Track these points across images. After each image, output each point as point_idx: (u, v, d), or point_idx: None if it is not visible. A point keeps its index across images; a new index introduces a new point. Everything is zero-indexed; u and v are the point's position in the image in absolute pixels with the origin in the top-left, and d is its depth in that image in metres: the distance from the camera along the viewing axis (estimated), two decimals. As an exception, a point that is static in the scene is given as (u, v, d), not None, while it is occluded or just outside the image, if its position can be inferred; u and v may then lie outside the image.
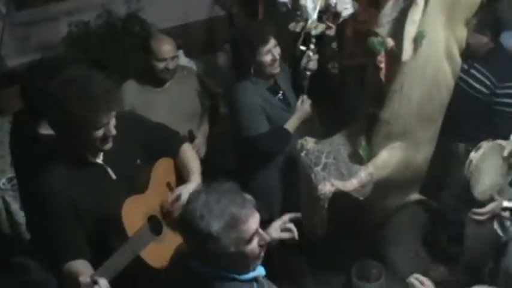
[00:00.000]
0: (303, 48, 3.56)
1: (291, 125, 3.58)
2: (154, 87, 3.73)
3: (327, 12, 3.53)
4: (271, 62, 3.46)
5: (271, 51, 3.43)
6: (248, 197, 2.09)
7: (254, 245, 2.08)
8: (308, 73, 3.61)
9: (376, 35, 3.35)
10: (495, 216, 3.14)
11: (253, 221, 2.06)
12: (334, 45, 4.54)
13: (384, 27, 3.35)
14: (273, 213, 3.34)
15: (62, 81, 2.45)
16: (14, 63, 5.77)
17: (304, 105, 3.63)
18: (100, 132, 2.49)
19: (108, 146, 2.57)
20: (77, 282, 2.24)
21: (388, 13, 3.34)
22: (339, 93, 4.18)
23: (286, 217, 2.52)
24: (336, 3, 3.51)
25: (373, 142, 3.51)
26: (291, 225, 2.48)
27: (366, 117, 3.57)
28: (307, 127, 3.83)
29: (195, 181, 2.82)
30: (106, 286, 2.25)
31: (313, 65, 3.60)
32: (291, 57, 3.71)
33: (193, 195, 2.09)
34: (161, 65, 3.62)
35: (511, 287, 3.07)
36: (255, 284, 2.15)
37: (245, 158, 3.73)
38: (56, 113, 2.43)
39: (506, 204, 3.09)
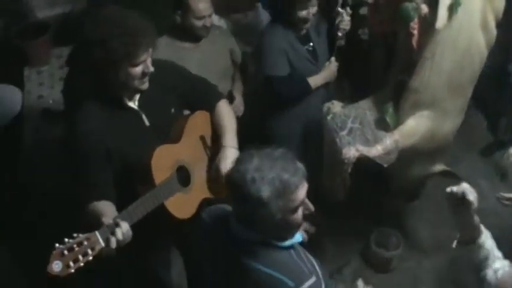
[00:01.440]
0: (341, 10, 3.59)
1: (314, 80, 3.65)
2: (188, 44, 3.73)
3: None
4: (306, 19, 3.53)
5: (308, 8, 3.49)
6: (300, 165, 2.07)
7: (299, 214, 2.09)
8: (340, 33, 3.64)
9: (411, 0, 3.31)
10: None
11: (302, 191, 2.06)
12: (364, 10, 4.54)
13: None
14: None
15: (99, 20, 2.49)
16: (44, 14, 5.84)
17: (331, 66, 3.70)
18: (139, 70, 2.53)
19: (146, 85, 2.61)
20: (100, 222, 2.28)
21: None
22: (368, 59, 4.17)
23: None
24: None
25: (400, 109, 3.49)
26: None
27: (395, 84, 3.55)
28: (335, 90, 3.87)
29: (229, 146, 2.85)
30: (127, 229, 2.30)
31: (345, 25, 3.63)
32: (328, 15, 3.75)
33: (245, 157, 2.07)
34: (199, 23, 3.61)
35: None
36: (292, 251, 2.16)
37: (266, 103, 3.81)
38: (96, 52, 2.45)
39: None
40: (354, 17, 3.87)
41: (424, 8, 3.28)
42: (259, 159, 2.02)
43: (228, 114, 2.98)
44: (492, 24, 3.31)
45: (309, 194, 2.10)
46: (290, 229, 2.11)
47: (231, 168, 2.10)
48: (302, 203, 2.08)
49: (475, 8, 3.22)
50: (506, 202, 3.15)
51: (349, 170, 3.36)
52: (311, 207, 2.13)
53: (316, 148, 3.66)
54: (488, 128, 4.88)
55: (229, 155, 2.78)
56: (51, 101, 5.48)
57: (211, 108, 2.97)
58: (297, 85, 3.63)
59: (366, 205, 4.14)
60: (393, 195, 4.05)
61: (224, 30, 4.22)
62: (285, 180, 1.99)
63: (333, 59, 3.71)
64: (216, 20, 4.73)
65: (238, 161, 2.08)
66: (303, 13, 3.51)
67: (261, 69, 3.64)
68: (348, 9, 3.60)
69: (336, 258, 4.06)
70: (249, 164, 2.01)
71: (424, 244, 4.13)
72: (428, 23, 3.26)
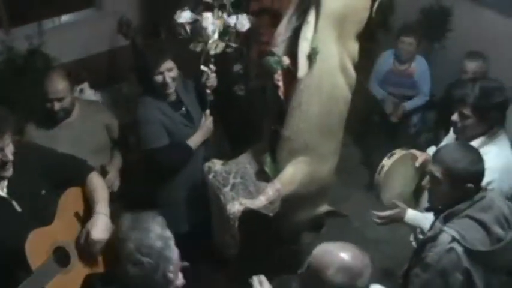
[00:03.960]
0: (204, 68, 3.65)
1: (193, 140, 3.70)
2: (56, 123, 3.68)
3: (228, 33, 3.64)
4: (165, 83, 3.57)
5: (164, 74, 3.54)
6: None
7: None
8: (209, 90, 3.72)
9: (273, 54, 3.48)
10: (394, 221, 3.29)
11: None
12: (237, 67, 4.71)
13: (279, 46, 3.48)
14: (180, 227, 3.56)
15: None
16: None
17: (206, 122, 3.76)
18: None
19: (9, 172, 2.57)
20: None
21: (282, 32, 3.48)
22: (244, 113, 4.30)
23: None
24: (235, 24, 3.64)
25: (278, 159, 3.59)
26: None
27: (269, 134, 3.66)
28: (215, 148, 3.94)
29: (101, 213, 2.82)
30: None
31: (212, 81, 3.70)
32: (194, 75, 3.81)
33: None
34: (49, 105, 3.57)
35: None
36: None
37: (151, 172, 3.83)
38: None
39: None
40: (227, 73, 4.00)
41: (286, 60, 3.45)
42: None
43: (99, 185, 2.97)
44: (350, 68, 3.47)
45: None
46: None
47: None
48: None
49: (333, 54, 3.36)
50: (378, 221, 3.30)
51: (236, 224, 3.41)
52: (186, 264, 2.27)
53: (203, 207, 3.71)
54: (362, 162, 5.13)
55: (100, 222, 2.76)
56: None
57: (82, 182, 2.95)
58: (178, 152, 3.66)
59: (261, 255, 4.18)
60: (285, 241, 4.12)
61: (99, 105, 4.20)
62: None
63: (207, 112, 3.78)
64: (91, 94, 4.74)
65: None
66: (159, 78, 3.55)
67: (141, 143, 3.65)
68: (212, 66, 3.67)
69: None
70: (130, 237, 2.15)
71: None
72: (292, 74, 3.40)
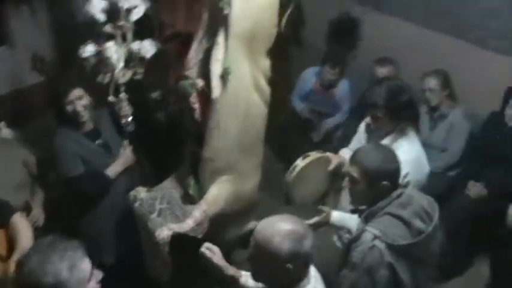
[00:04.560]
0: (112, 99, 3.64)
1: (112, 170, 3.71)
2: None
3: (133, 59, 3.65)
4: (76, 112, 3.59)
5: (74, 103, 3.57)
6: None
7: (92, 285, 2.19)
8: (124, 120, 3.72)
9: (187, 77, 3.52)
10: (321, 226, 3.36)
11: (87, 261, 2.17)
12: (155, 94, 4.71)
13: (193, 69, 3.53)
14: (108, 257, 3.65)
15: None
16: None
17: (126, 151, 3.78)
18: None
19: None
20: None
21: (194, 55, 3.53)
22: (166, 138, 4.31)
23: None
24: (139, 49, 3.65)
25: (201, 180, 3.63)
26: None
27: (191, 157, 3.70)
28: (139, 176, 3.94)
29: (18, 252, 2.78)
30: None
31: (126, 111, 3.71)
32: (108, 105, 3.80)
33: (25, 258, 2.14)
34: None
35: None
36: None
37: (73, 203, 3.82)
38: None
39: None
40: (146, 101, 4.00)
41: (199, 82, 3.50)
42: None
43: (22, 226, 2.94)
44: (264, 84, 3.54)
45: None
46: None
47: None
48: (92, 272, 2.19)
49: (245, 72, 3.43)
50: None
51: (166, 249, 3.42)
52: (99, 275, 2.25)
53: (131, 236, 3.69)
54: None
55: None
56: None
57: (5, 224, 2.91)
58: (95, 180, 3.66)
59: (194, 277, 4.17)
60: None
61: (13, 143, 4.15)
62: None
63: (125, 143, 3.79)
64: (7, 133, 4.64)
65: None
66: (70, 108, 3.57)
67: (59, 173, 3.67)
68: (122, 95, 3.67)
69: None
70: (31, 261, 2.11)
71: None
72: (207, 95, 3.46)
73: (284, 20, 3.55)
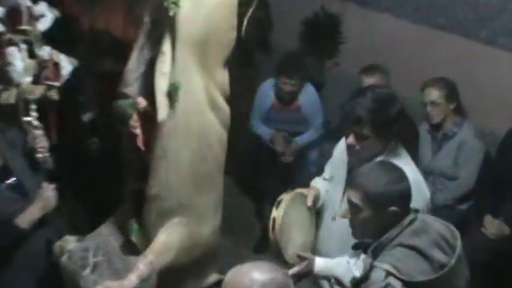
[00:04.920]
0: (27, 119, 3.70)
1: (26, 217, 3.70)
2: None
3: (44, 70, 3.73)
4: None
5: None
6: None
7: None
8: (41, 155, 3.77)
9: (126, 96, 3.61)
10: (303, 277, 3.43)
11: None
12: (86, 116, 4.78)
13: (132, 86, 3.62)
14: None
15: None
16: None
17: (45, 193, 3.78)
18: None
19: None
20: None
21: (134, 68, 3.62)
22: (100, 172, 4.36)
23: None
24: (50, 56, 3.76)
25: (146, 224, 3.69)
26: None
27: (133, 196, 3.77)
28: (66, 221, 3.99)
29: None
30: None
31: (41, 142, 3.77)
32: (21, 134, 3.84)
33: None
34: None
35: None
36: None
37: None
38: None
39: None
40: (74, 125, 4.07)
41: (142, 102, 3.58)
42: None
43: None
44: (222, 102, 3.64)
45: None
46: None
47: None
48: None
49: (198, 88, 3.51)
50: None
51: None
52: None
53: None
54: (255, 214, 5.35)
55: None
56: None
57: None
58: (2, 233, 3.65)
59: None
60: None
61: None
62: None
63: (45, 184, 3.79)
64: None
65: None
66: None
67: None
68: (35, 122, 3.74)
69: None
70: None
71: None
72: (151, 117, 3.53)
73: (245, 21, 3.67)
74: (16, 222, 3.69)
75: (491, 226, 4.53)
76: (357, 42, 5.40)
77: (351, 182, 2.99)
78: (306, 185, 3.84)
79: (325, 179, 3.81)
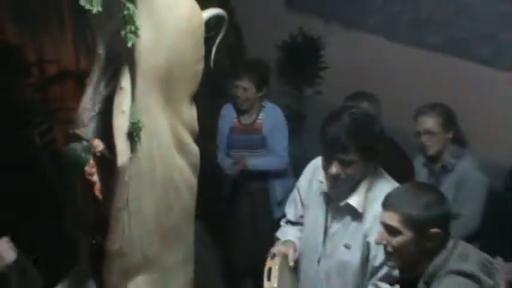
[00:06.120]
0: None
1: None
2: None
3: None
4: None
5: None
6: None
7: None
8: None
9: (80, 138, 3.53)
10: None
11: None
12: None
13: (87, 126, 3.55)
14: None
15: None
16: None
17: None
18: None
19: None
20: None
21: (89, 106, 3.55)
22: (51, 227, 4.31)
23: None
24: None
25: (107, 284, 3.61)
26: None
27: (90, 253, 3.69)
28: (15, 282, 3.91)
29: None
30: None
31: None
32: None
33: None
34: None
35: None
36: None
37: None
38: None
39: None
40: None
41: (99, 145, 3.51)
42: None
43: None
44: (189, 142, 3.59)
45: None
46: None
47: None
48: None
49: (162, 128, 3.45)
50: None
51: None
52: None
53: None
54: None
55: None
56: None
57: None
58: None
59: None
60: None
61: None
62: None
63: None
64: None
65: None
66: None
67: None
68: None
69: None
70: None
71: None
72: (109, 162, 3.47)
73: (214, 49, 3.65)
74: None
75: (502, 269, 4.49)
76: (341, 68, 5.38)
77: (386, 205, 3.04)
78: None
79: (291, 222, 3.95)
